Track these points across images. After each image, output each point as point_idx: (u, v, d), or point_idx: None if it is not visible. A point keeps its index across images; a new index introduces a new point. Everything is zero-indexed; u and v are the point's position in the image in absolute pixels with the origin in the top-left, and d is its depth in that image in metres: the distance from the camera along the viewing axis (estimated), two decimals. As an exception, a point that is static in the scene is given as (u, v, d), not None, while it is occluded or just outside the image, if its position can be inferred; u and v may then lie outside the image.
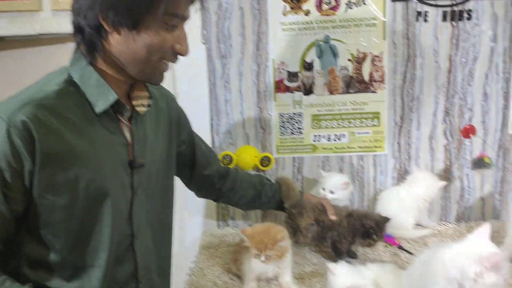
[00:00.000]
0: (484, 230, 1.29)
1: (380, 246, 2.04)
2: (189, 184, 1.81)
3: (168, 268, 1.58)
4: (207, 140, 2.25)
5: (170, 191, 1.54)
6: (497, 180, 2.25)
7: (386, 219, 1.81)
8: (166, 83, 2.19)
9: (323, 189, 2.07)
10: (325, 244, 1.91)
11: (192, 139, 1.70)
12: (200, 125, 2.23)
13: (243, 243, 1.72)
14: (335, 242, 1.85)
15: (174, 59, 1.24)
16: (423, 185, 2.11)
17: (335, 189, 2.04)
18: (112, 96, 1.20)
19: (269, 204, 1.93)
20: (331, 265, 1.56)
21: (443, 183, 2.13)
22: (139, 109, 1.31)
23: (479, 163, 2.03)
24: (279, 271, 1.71)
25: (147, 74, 1.23)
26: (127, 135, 1.28)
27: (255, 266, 1.69)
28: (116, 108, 1.23)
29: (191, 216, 2.36)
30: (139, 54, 1.16)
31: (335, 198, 2.04)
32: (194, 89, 2.22)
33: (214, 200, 1.97)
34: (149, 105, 1.34)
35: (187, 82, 2.21)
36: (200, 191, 1.88)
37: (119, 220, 1.25)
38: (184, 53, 1.23)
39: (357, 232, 1.79)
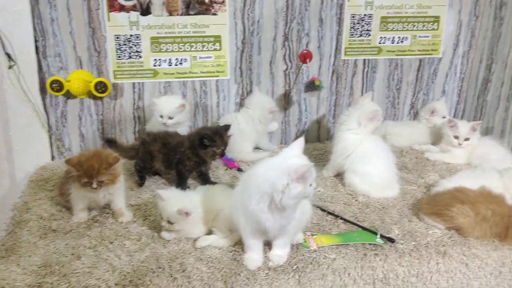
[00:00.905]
0: (297, 144, 1.35)
1: (221, 169, 2.08)
2: None
3: None
4: (33, 65, 2.02)
5: None
6: (331, 103, 2.40)
7: (226, 126, 1.84)
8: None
9: (161, 116, 2.00)
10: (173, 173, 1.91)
11: None
12: (23, 47, 1.99)
13: (70, 173, 1.60)
14: (179, 164, 1.83)
15: None
16: (257, 108, 2.16)
17: (173, 114, 1.99)
18: None
19: None
20: (160, 191, 1.53)
21: (275, 108, 2.19)
22: None
23: (311, 86, 2.11)
24: (110, 197, 1.64)
25: None
26: None
27: (85, 195, 1.60)
28: None
29: (21, 148, 2.13)
30: None
31: (175, 122, 2.01)
32: (12, 5, 1.92)
33: None
34: None
35: (2, -4, 1.91)
36: None
37: None
38: None
39: (195, 144, 1.79)
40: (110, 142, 1.84)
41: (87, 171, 1.53)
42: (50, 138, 2.15)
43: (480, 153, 2.11)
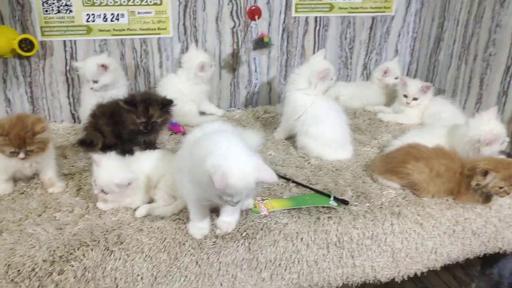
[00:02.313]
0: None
1: (165, 135, 1.94)
2: None
3: None
4: None
5: None
6: (282, 64, 2.28)
7: (166, 101, 1.64)
8: None
9: (88, 80, 1.82)
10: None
11: None
12: None
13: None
14: (132, 132, 1.66)
15: None
16: (188, 66, 1.98)
17: (95, 76, 1.81)
18: None
19: None
20: (96, 156, 1.38)
21: (206, 63, 1.99)
22: None
23: (259, 43, 1.98)
24: (38, 167, 1.47)
25: None
26: None
27: (8, 164, 1.43)
28: None
29: None
30: None
31: (101, 85, 1.83)
32: None
33: None
34: None
35: None
36: None
37: None
38: None
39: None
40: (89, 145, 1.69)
41: (14, 140, 1.36)
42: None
43: (431, 112, 2.07)
